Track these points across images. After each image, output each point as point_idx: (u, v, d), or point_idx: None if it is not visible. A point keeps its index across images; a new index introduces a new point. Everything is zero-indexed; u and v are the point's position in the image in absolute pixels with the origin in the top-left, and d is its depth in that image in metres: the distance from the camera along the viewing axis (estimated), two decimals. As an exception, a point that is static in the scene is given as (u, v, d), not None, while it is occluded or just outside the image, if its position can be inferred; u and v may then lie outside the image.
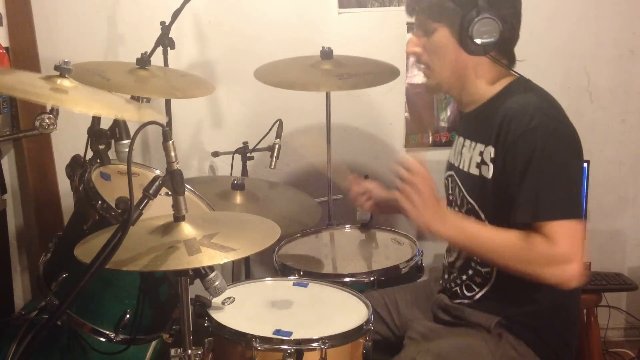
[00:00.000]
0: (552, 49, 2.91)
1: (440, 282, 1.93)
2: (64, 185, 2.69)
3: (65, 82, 1.60)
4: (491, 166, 1.68)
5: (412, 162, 1.65)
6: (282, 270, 2.22)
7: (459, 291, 1.83)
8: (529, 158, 1.60)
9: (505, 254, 1.63)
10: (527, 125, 1.61)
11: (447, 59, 1.75)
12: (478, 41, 1.68)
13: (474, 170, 1.74)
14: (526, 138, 1.61)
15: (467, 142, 1.79)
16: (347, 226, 2.56)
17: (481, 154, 1.72)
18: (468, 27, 1.67)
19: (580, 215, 1.59)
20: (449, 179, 1.89)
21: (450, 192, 1.89)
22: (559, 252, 1.55)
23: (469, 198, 1.76)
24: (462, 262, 1.81)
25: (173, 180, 1.44)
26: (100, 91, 1.77)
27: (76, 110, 1.52)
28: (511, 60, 1.78)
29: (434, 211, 1.64)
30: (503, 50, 1.75)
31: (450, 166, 1.89)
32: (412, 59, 1.85)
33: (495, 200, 1.70)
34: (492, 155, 1.68)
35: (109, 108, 1.64)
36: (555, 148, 1.61)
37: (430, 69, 1.80)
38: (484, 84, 1.77)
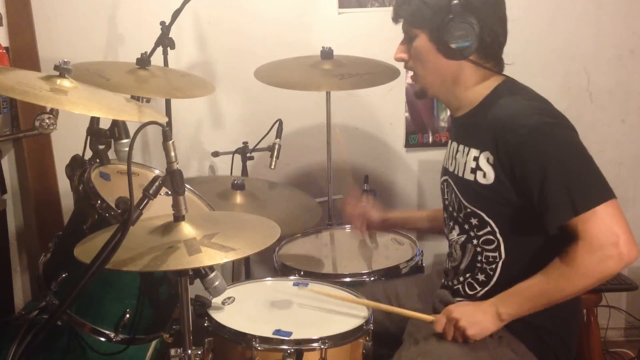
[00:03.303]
0: (552, 49, 2.91)
1: (443, 281, 1.93)
2: (64, 185, 2.69)
3: (65, 82, 1.61)
4: (491, 172, 1.68)
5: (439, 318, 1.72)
6: (282, 270, 2.22)
7: (460, 289, 1.83)
8: (542, 160, 1.60)
9: (560, 284, 1.62)
10: (524, 128, 1.62)
11: (428, 65, 1.78)
12: (453, 45, 1.70)
13: (469, 176, 1.74)
14: (529, 141, 1.61)
15: (461, 147, 1.80)
16: (347, 226, 2.56)
17: (476, 159, 1.72)
18: (443, 32, 1.70)
19: (613, 194, 1.60)
20: (444, 183, 1.89)
21: (446, 196, 1.89)
22: (601, 242, 1.56)
23: (465, 203, 1.77)
24: (467, 264, 1.81)
25: (173, 180, 1.44)
26: (100, 91, 1.77)
27: (75, 111, 1.52)
28: (498, 63, 1.79)
29: (481, 319, 1.67)
30: (486, 54, 1.75)
31: (445, 171, 1.90)
32: (404, 65, 1.87)
33: (496, 205, 1.70)
34: (492, 162, 1.68)
35: (109, 109, 1.64)
36: (561, 141, 1.62)
37: (415, 74, 1.84)
38: (470, 88, 1.78)
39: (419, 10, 1.74)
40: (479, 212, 1.74)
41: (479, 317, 1.68)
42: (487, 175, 1.69)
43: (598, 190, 1.60)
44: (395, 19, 1.82)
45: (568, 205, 1.58)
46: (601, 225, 1.56)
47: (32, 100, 1.48)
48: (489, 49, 1.75)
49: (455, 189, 1.81)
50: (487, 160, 1.69)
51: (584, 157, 1.64)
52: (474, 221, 1.76)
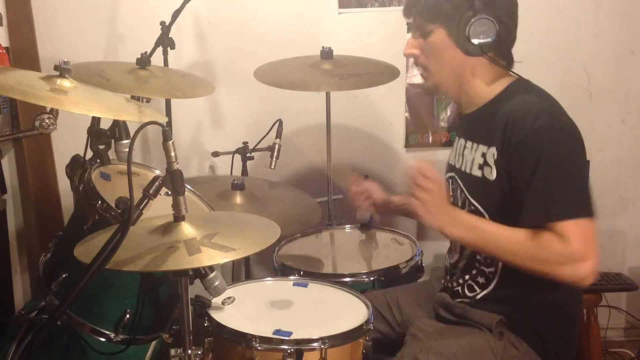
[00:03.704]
0: (552, 49, 2.91)
1: (442, 281, 1.93)
2: (64, 185, 2.69)
3: (65, 82, 1.61)
4: (494, 167, 1.68)
5: (424, 165, 1.67)
6: (282, 270, 2.22)
7: (460, 291, 1.83)
8: (536, 160, 1.60)
9: (518, 253, 1.62)
10: (531, 126, 1.62)
11: (444, 60, 1.76)
12: (475, 41, 1.69)
13: (477, 172, 1.74)
14: (532, 139, 1.61)
15: (469, 143, 1.79)
16: (347, 226, 2.56)
17: (483, 155, 1.72)
18: (465, 28, 1.68)
19: (592, 213, 1.60)
20: (450, 180, 1.89)
21: (451, 193, 1.89)
22: (572, 251, 1.55)
23: (471, 199, 1.77)
24: (465, 263, 1.81)
25: (173, 180, 1.44)
26: (100, 91, 1.77)
27: (75, 111, 1.52)
28: (509, 61, 1.79)
29: (446, 213, 1.66)
30: (500, 51, 1.75)
31: (451, 167, 1.89)
32: (414, 62, 1.86)
33: (499, 201, 1.70)
34: (495, 157, 1.68)
35: (109, 109, 1.64)
36: (561, 147, 1.62)
37: (427, 71, 1.82)
38: (483, 85, 1.77)
39: (438, 4, 1.72)
40: (481, 210, 1.74)
41: (448, 210, 1.67)
42: (492, 171, 1.70)
43: (576, 205, 1.59)
44: (407, 14, 1.80)
45: (542, 210, 1.58)
46: (580, 237, 1.56)
47: (32, 100, 1.48)
48: (504, 45, 1.75)
49: (462, 185, 1.81)
50: (493, 156, 1.69)
51: (575, 169, 1.63)
52: None
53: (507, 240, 1.64)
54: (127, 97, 1.91)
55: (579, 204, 1.59)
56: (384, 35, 2.81)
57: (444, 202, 1.66)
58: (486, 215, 1.73)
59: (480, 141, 1.74)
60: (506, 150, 1.66)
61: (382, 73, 2.48)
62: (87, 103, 1.60)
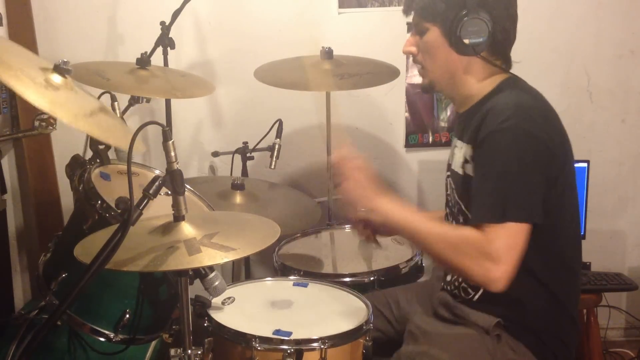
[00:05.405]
0: (552, 49, 2.91)
1: (442, 283, 1.93)
2: (64, 185, 2.69)
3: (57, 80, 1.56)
4: (471, 164, 1.69)
5: (343, 152, 1.75)
6: (282, 270, 2.22)
7: (457, 293, 1.83)
8: (491, 158, 1.60)
9: (436, 239, 1.62)
10: (499, 124, 1.61)
11: (438, 59, 1.77)
12: (466, 41, 1.70)
13: (460, 170, 1.75)
14: (493, 137, 1.61)
15: (459, 142, 1.81)
16: (347, 226, 2.56)
17: (466, 153, 1.73)
18: (456, 27, 1.69)
19: (531, 217, 1.56)
20: (447, 179, 1.90)
21: (448, 192, 1.90)
22: (489, 250, 1.53)
23: (457, 198, 1.77)
24: None
25: (173, 180, 1.44)
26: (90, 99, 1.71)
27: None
28: (506, 61, 1.79)
29: (364, 192, 1.70)
30: (496, 51, 1.75)
31: (447, 167, 1.90)
32: (412, 59, 1.87)
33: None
34: (471, 153, 1.69)
35: (100, 128, 1.57)
36: (515, 150, 1.59)
37: (424, 69, 1.83)
38: (476, 85, 1.78)
39: (432, 3, 1.73)
40: (465, 210, 1.75)
41: (366, 191, 1.71)
42: (471, 168, 1.70)
43: (515, 208, 1.56)
44: (406, 11, 1.81)
45: (482, 208, 1.58)
46: (500, 239, 1.53)
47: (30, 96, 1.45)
48: (500, 46, 1.74)
49: (452, 184, 1.82)
50: (470, 152, 1.70)
51: (525, 173, 1.59)
52: (461, 219, 1.77)
53: (426, 225, 1.65)
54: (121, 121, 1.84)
55: (518, 208, 1.56)
56: (384, 35, 2.81)
57: (362, 183, 1.70)
58: (469, 214, 1.71)
59: (465, 140, 1.75)
60: (475, 146, 1.66)
61: (382, 73, 2.48)
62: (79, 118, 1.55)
